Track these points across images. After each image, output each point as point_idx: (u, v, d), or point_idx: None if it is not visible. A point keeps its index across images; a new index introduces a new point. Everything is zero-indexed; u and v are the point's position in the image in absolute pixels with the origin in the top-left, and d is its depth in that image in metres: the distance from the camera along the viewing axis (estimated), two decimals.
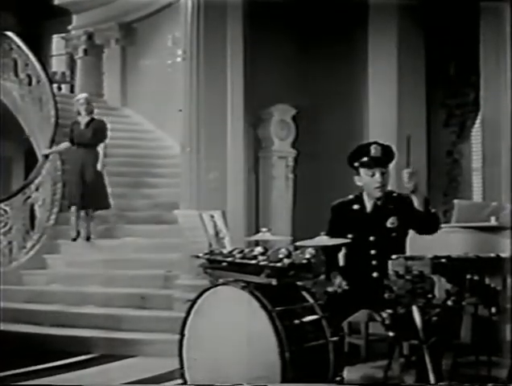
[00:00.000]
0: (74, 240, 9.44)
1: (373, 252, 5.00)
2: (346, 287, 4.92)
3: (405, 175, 4.68)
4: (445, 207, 7.89)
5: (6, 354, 6.44)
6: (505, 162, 7.27)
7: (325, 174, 8.05)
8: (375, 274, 4.94)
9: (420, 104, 8.15)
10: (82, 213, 9.48)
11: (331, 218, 5.22)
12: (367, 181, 5.06)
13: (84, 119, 9.66)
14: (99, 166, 9.43)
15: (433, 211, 4.95)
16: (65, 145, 9.77)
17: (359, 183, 5.12)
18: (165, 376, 5.93)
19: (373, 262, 4.98)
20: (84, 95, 10.09)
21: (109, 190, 9.62)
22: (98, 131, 9.61)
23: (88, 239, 9.43)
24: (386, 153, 5.08)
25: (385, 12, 7.94)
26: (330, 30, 8.13)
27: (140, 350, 6.99)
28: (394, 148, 5.19)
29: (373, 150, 5.02)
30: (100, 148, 9.52)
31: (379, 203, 5.09)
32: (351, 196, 5.22)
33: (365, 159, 5.03)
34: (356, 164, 5.09)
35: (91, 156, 9.49)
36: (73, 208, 9.47)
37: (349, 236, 5.03)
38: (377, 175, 5.01)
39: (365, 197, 5.14)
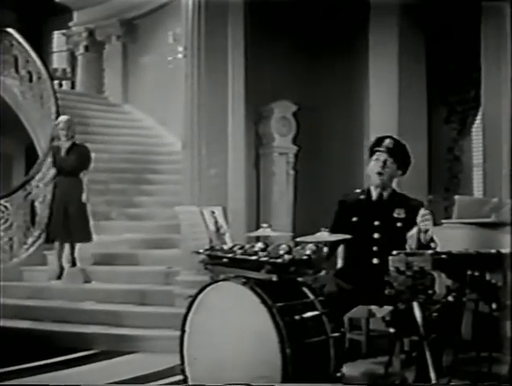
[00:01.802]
0: (59, 277, 8.72)
1: (376, 236, 5.07)
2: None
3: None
4: (446, 203, 7.89)
5: (7, 350, 6.46)
6: (506, 158, 7.27)
7: (326, 170, 8.06)
8: (375, 260, 4.99)
9: (421, 101, 8.15)
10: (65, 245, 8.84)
11: (337, 209, 5.30)
12: (371, 166, 5.18)
13: (64, 145, 8.88)
14: (84, 197, 8.72)
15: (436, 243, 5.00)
16: (53, 172, 9.04)
17: (367, 172, 5.26)
18: (166, 372, 5.93)
19: (375, 248, 5.03)
20: (64, 118, 9.14)
21: (91, 222, 8.85)
22: (81, 158, 8.82)
23: (74, 264, 8.77)
24: (398, 148, 5.16)
25: (385, 9, 7.94)
26: (331, 28, 8.12)
27: (141, 346, 6.99)
28: (409, 150, 5.25)
29: (386, 142, 5.14)
30: (83, 176, 8.79)
31: (385, 194, 5.18)
32: (358, 190, 5.35)
33: (377, 148, 5.16)
34: (370, 153, 5.22)
35: (74, 185, 8.74)
36: (56, 243, 8.85)
37: (354, 219, 5.12)
38: (380, 162, 5.10)
39: (372, 188, 5.24)
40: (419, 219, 4.70)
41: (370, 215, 5.12)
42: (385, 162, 5.10)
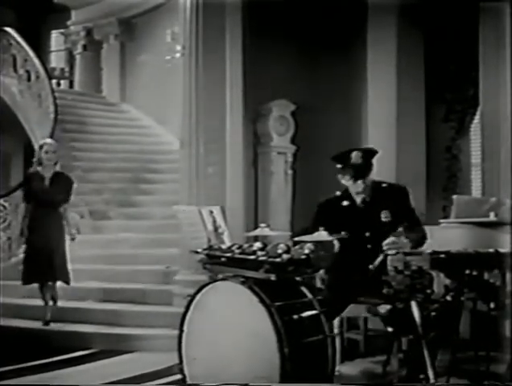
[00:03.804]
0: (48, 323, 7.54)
1: (369, 246, 5.03)
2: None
3: None
4: (444, 202, 7.90)
5: (6, 349, 6.46)
6: (504, 157, 7.27)
7: (324, 169, 8.00)
8: (371, 266, 4.96)
9: (419, 100, 8.15)
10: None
11: (314, 215, 5.25)
12: (349, 184, 5.15)
13: (47, 173, 7.70)
14: (65, 230, 7.72)
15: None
16: (25, 205, 7.86)
17: (343, 182, 5.19)
18: (164, 372, 5.94)
19: (369, 255, 4.99)
20: (49, 141, 8.14)
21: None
22: (67, 190, 7.76)
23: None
24: (366, 157, 5.12)
25: (384, 9, 7.94)
26: (329, 27, 8.12)
27: (139, 345, 7.00)
28: (374, 149, 5.27)
29: (353, 158, 5.08)
30: (64, 209, 7.73)
31: (368, 198, 5.16)
32: (338, 193, 5.28)
33: (346, 166, 5.09)
34: (338, 166, 5.15)
35: (56, 220, 7.67)
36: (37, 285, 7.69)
37: (343, 233, 5.03)
38: (359, 182, 5.10)
39: (353, 193, 5.21)
40: (384, 246, 4.66)
41: (359, 226, 5.06)
42: (364, 182, 5.08)
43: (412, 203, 5.25)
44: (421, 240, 4.98)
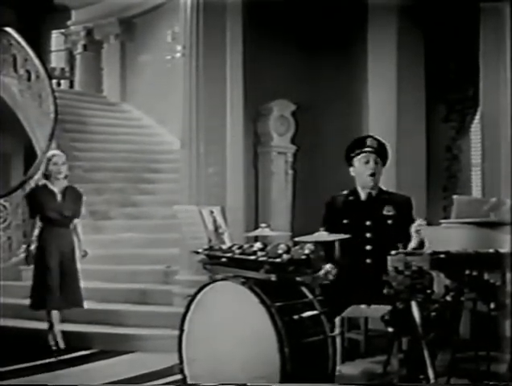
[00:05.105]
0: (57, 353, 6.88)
1: (368, 235, 5.13)
2: (335, 272, 4.91)
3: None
4: (444, 202, 7.89)
5: (6, 349, 6.47)
6: (505, 157, 7.27)
7: (324, 169, 8.05)
8: (369, 260, 5.02)
9: (419, 99, 8.14)
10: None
11: (325, 212, 5.36)
12: (361, 169, 5.23)
13: (57, 187, 7.03)
14: (77, 251, 7.08)
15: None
16: (39, 224, 7.07)
17: (353, 174, 5.29)
18: (164, 372, 5.94)
19: (368, 247, 5.09)
20: (58, 152, 7.40)
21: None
22: (79, 205, 7.18)
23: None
24: (381, 146, 5.28)
25: (384, 9, 7.93)
26: (330, 26, 8.11)
27: (139, 345, 7.01)
28: (388, 147, 5.37)
29: (369, 141, 5.23)
30: (74, 225, 7.14)
31: (373, 193, 5.26)
32: (345, 191, 5.38)
33: (360, 149, 5.22)
34: (352, 154, 5.26)
35: (68, 238, 7.05)
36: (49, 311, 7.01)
37: (345, 221, 5.17)
38: (371, 163, 5.19)
39: (359, 189, 5.29)
40: (413, 228, 4.80)
41: (361, 215, 5.18)
42: (376, 163, 5.20)
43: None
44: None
